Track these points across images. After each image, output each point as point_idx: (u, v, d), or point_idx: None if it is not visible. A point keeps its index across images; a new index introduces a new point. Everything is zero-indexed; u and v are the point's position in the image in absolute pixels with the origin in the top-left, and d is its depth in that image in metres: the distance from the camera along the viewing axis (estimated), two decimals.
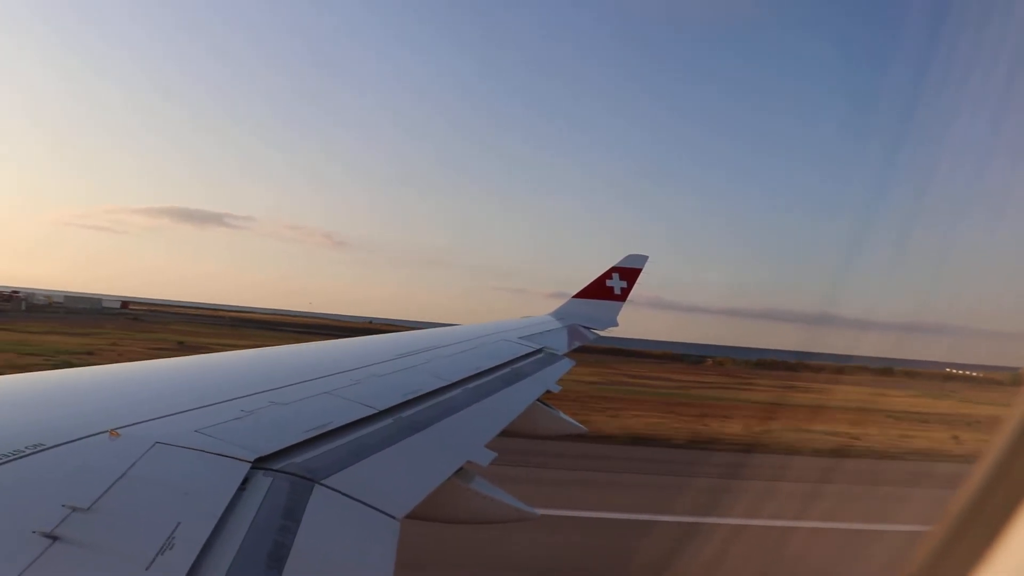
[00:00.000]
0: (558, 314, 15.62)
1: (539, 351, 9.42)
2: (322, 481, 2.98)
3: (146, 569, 1.92)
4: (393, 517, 2.96)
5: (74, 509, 2.09)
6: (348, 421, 3.85)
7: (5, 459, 2.31)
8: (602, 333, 15.81)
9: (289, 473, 2.92)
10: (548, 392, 7.69)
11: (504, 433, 5.23)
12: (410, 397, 4.83)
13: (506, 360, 7.91)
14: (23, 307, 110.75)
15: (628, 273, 16.78)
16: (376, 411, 4.22)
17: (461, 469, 4.05)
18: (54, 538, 1.91)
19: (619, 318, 16.47)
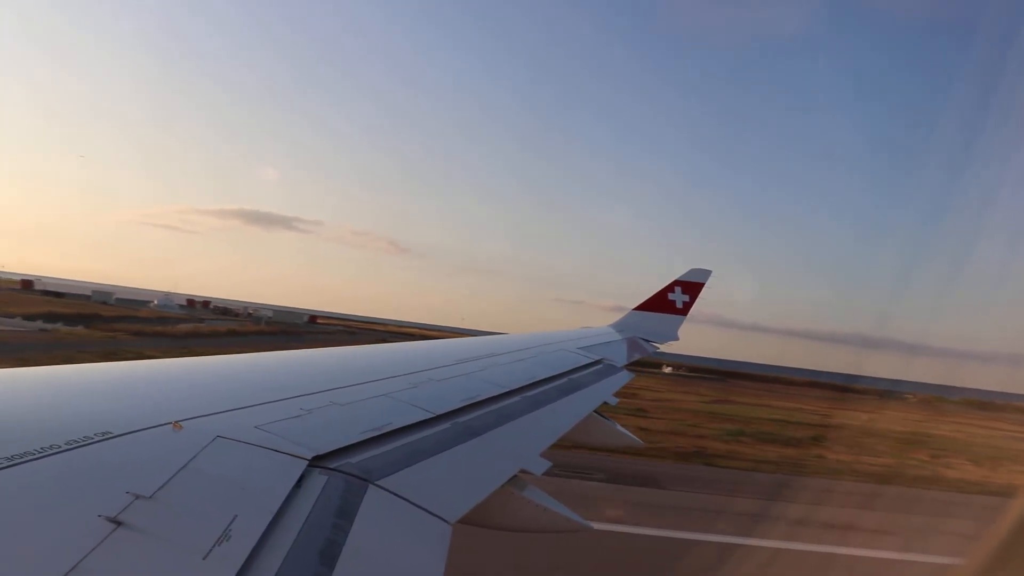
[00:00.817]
0: (618, 326, 15.50)
1: (598, 362, 9.35)
2: (377, 482, 3.00)
3: (203, 559, 1.96)
4: (445, 521, 2.97)
5: (137, 497, 2.15)
6: (405, 424, 3.87)
7: (75, 444, 2.38)
8: (662, 347, 15.65)
9: (345, 472, 2.95)
10: (605, 404, 7.63)
11: (559, 443, 5.21)
12: (467, 403, 4.84)
13: (564, 370, 7.87)
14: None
15: (691, 287, 16.57)
16: (433, 415, 4.24)
17: (515, 477, 4.04)
18: (118, 523, 1.96)
19: (680, 332, 16.28)
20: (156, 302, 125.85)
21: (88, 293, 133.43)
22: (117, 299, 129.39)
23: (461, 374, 5.95)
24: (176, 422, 2.84)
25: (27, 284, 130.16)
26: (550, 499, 4.22)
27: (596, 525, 4.86)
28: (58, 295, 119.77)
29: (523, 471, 4.18)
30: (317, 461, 2.94)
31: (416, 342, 8.30)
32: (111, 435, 2.54)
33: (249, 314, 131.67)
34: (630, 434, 7.84)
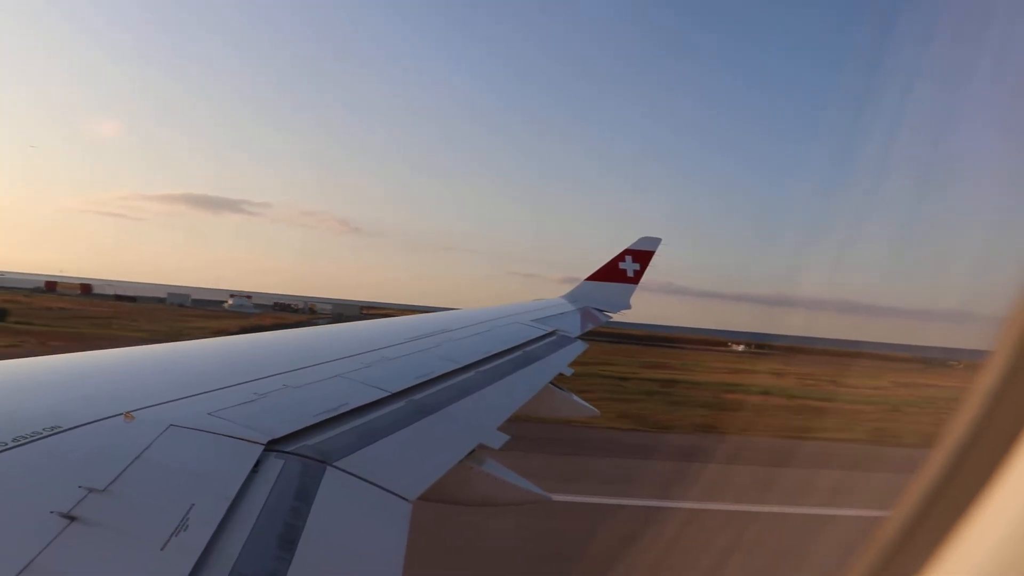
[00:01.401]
0: (571, 297, 15.61)
1: (552, 334, 9.42)
2: (334, 463, 3.00)
3: (161, 549, 1.95)
4: (405, 499, 2.99)
5: (90, 490, 2.12)
6: (360, 404, 3.87)
7: (24, 440, 2.34)
8: (615, 316, 15.80)
9: (302, 455, 2.94)
10: (561, 375, 7.70)
11: (516, 416, 5.25)
12: (422, 380, 4.85)
13: (518, 343, 7.92)
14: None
15: (641, 255, 16.72)
16: (388, 394, 4.24)
17: (473, 451, 4.07)
18: (72, 518, 1.94)
19: (632, 301, 16.45)
20: (231, 303, 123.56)
21: (163, 295, 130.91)
22: (193, 300, 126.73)
23: (415, 351, 5.95)
24: (127, 412, 2.80)
25: (51, 286, 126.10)
26: (509, 472, 4.27)
27: (556, 496, 4.92)
28: (132, 299, 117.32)
29: (482, 445, 4.22)
30: (273, 445, 2.93)
31: (368, 321, 8.26)
32: (60, 429, 2.50)
33: (311, 309, 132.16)
34: (586, 404, 7.94)
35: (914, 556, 1.76)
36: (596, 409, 8.30)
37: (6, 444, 2.28)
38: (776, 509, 17.72)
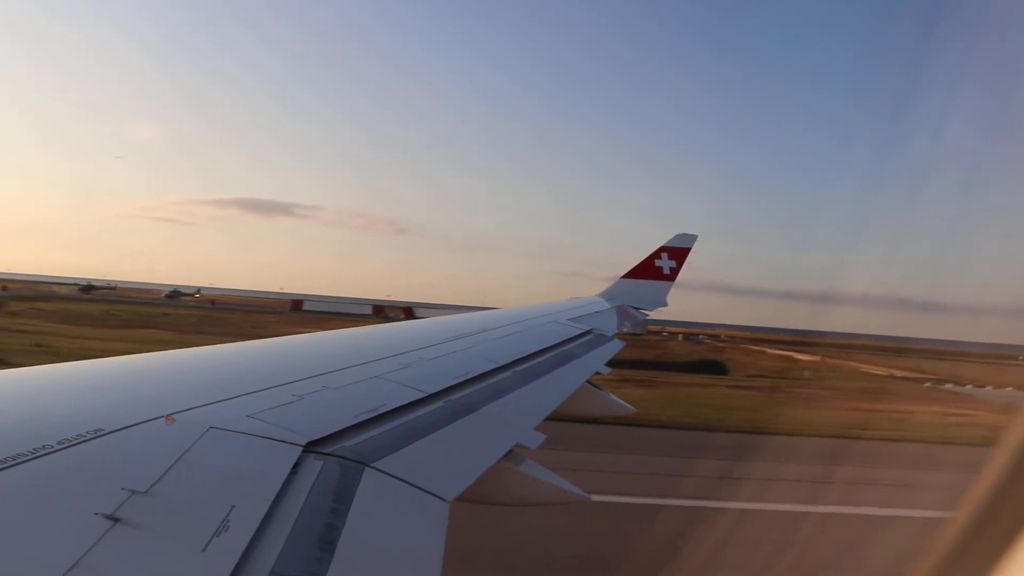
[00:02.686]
0: (607, 295, 15.54)
1: (588, 332, 9.39)
2: (372, 464, 3.01)
3: (202, 551, 1.97)
4: (443, 499, 2.99)
5: (133, 492, 2.15)
6: (398, 405, 3.89)
7: (68, 443, 2.38)
8: (651, 314, 15.72)
9: (340, 456, 2.96)
10: (597, 374, 7.68)
11: (553, 415, 5.24)
12: (459, 380, 4.86)
13: (555, 342, 7.90)
14: None
15: (677, 252, 16.61)
16: (425, 394, 4.25)
17: (511, 451, 4.07)
18: (115, 519, 1.96)
19: (670, 299, 16.35)
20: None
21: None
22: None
23: (452, 351, 5.96)
24: (168, 415, 2.84)
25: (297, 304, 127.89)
26: (547, 471, 4.25)
27: (595, 497, 4.90)
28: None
29: (519, 445, 4.21)
30: (312, 446, 2.95)
31: (406, 322, 8.30)
32: (104, 432, 2.54)
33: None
34: (623, 402, 7.90)
35: (979, 559, 1.72)
36: (632, 407, 8.25)
37: (52, 447, 2.32)
38: None
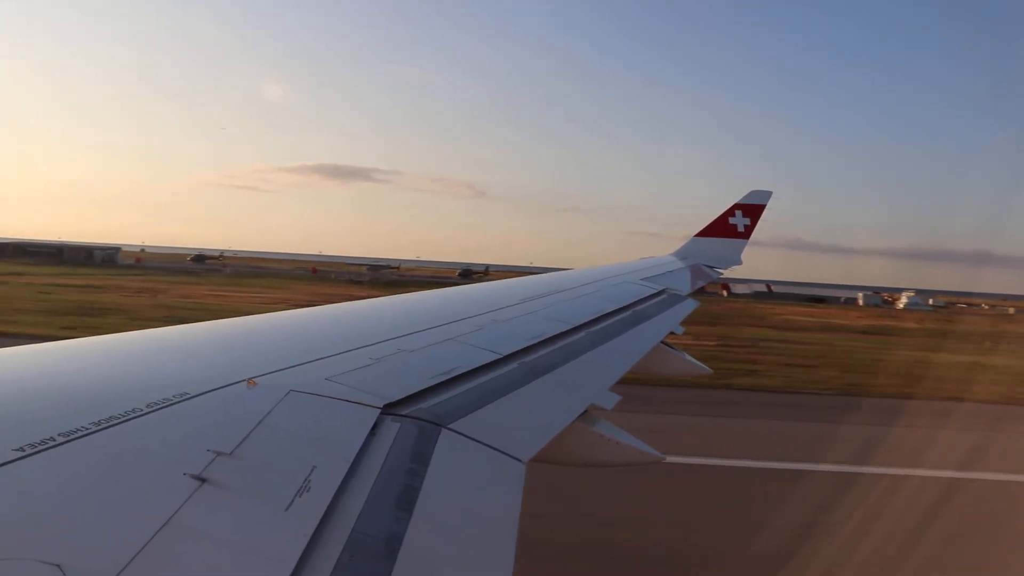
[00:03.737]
0: (680, 254, 15.34)
1: (662, 292, 9.29)
2: (449, 426, 3.04)
3: (285, 510, 2.02)
4: (519, 460, 3.01)
5: (218, 454, 2.21)
6: (473, 367, 3.91)
7: (156, 407, 2.46)
8: (725, 272, 15.47)
9: (417, 418, 2.99)
10: (672, 333, 7.60)
11: (628, 376, 5.21)
12: (533, 342, 4.86)
13: (629, 302, 7.84)
14: None
15: (751, 210, 16.25)
16: (500, 356, 4.27)
17: (585, 412, 4.06)
18: (202, 480, 2.03)
19: (744, 256, 16.05)
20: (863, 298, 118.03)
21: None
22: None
23: (526, 313, 5.96)
24: (250, 379, 2.91)
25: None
26: (622, 432, 4.24)
27: (669, 457, 4.86)
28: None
29: (593, 406, 4.20)
30: (389, 408, 2.99)
31: (480, 284, 8.33)
32: (189, 395, 2.62)
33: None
34: (699, 363, 7.82)
35: None
36: (709, 368, 8.16)
37: (141, 410, 2.40)
38: None
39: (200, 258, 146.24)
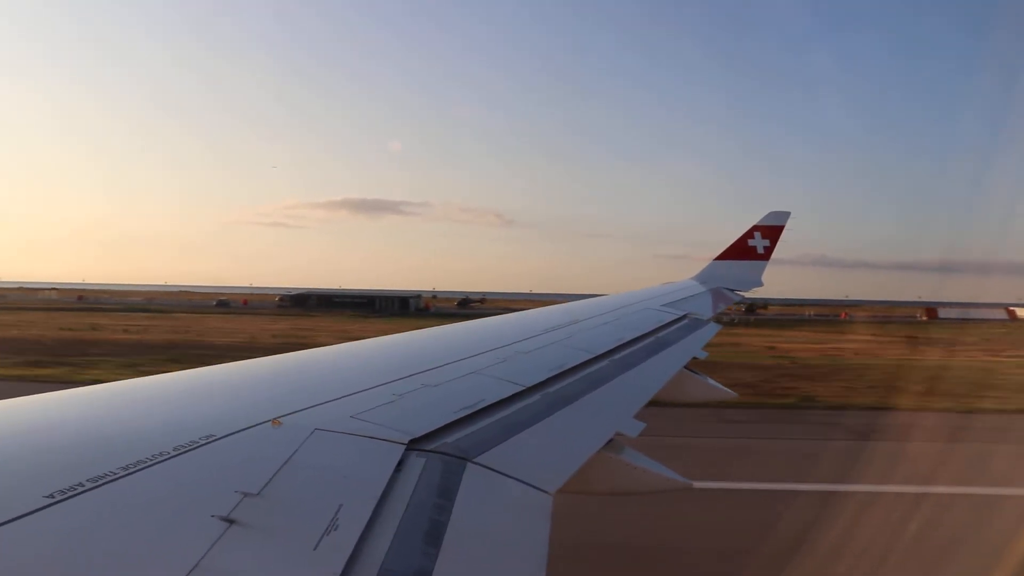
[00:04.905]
0: (700, 278, 15.31)
1: (683, 317, 9.27)
2: (474, 459, 3.04)
3: (314, 549, 2.02)
4: (545, 492, 2.99)
5: (246, 495, 2.22)
6: (497, 399, 3.91)
7: (183, 449, 2.48)
8: (747, 294, 15.42)
9: (442, 453, 2.99)
10: (695, 359, 7.57)
11: (653, 402, 5.19)
12: (556, 372, 4.85)
13: (650, 329, 7.83)
14: None
15: (770, 231, 16.23)
16: (524, 388, 4.27)
17: (611, 441, 4.05)
18: (231, 521, 2.03)
19: (765, 278, 16.00)
20: None
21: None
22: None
23: (548, 343, 5.97)
24: (275, 419, 2.93)
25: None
26: (648, 459, 4.22)
27: (697, 484, 4.82)
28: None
29: (618, 434, 4.18)
30: (414, 444, 2.99)
31: (500, 316, 8.35)
32: (215, 437, 2.63)
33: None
34: (723, 387, 7.77)
35: None
36: (733, 392, 8.11)
37: (168, 453, 2.42)
38: None
39: (465, 302, 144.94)
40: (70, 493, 2.01)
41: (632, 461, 4.09)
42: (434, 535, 2.32)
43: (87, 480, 2.10)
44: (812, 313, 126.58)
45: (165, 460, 2.37)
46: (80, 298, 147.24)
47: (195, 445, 2.54)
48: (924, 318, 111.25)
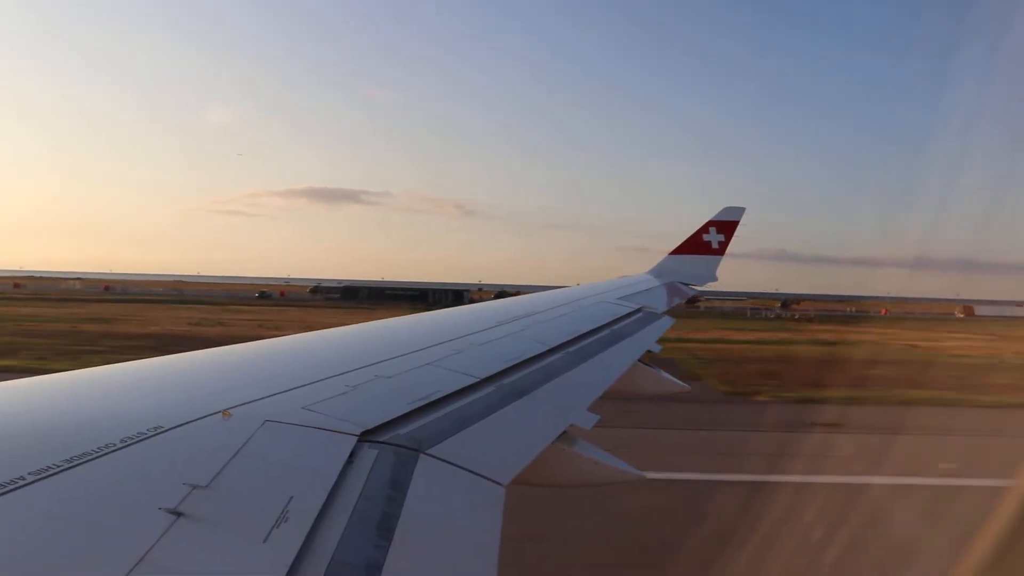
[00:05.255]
0: (655, 272, 15.45)
1: (638, 311, 9.34)
2: (427, 451, 3.03)
3: (263, 542, 2.00)
4: (498, 483, 3.00)
5: (194, 487, 2.19)
6: (451, 391, 3.90)
7: (130, 441, 2.44)
8: (700, 288, 15.59)
9: (395, 444, 2.98)
10: (649, 352, 7.63)
11: (606, 395, 5.22)
12: (511, 364, 4.86)
13: (605, 322, 7.88)
14: None
15: (725, 226, 16.42)
16: (478, 379, 4.27)
17: (564, 433, 4.07)
18: (178, 514, 2.01)
19: (719, 272, 16.19)
20: None
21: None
22: None
23: (503, 335, 5.97)
24: (225, 410, 2.89)
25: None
26: (601, 452, 4.25)
27: (649, 474, 4.87)
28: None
29: (572, 426, 4.21)
30: (366, 436, 2.97)
31: (456, 308, 8.33)
32: (163, 429, 2.60)
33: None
34: (676, 380, 7.85)
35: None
36: (686, 385, 8.20)
37: (115, 445, 2.38)
38: None
39: (501, 295, 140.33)
40: (11, 487, 1.97)
41: (585, 453, 4.12)
42: (385, 527, 2.31)
43: (28, 473, 2.06)
44: (853, 309, 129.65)
45: (111, 452, 2.33)
46: (106, 288, 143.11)
47: (143, 436, 2.49)
48: (962, 315, 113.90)
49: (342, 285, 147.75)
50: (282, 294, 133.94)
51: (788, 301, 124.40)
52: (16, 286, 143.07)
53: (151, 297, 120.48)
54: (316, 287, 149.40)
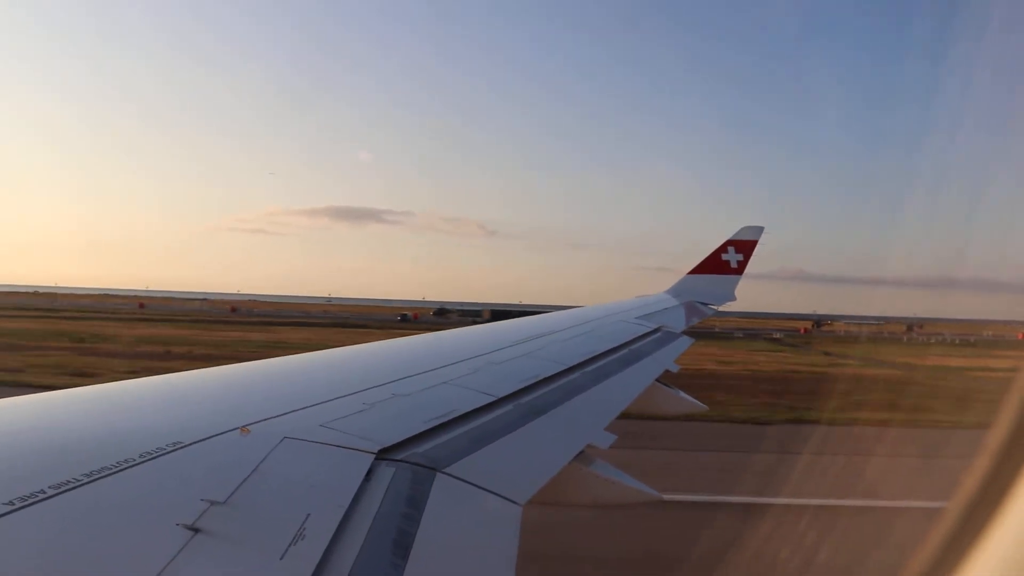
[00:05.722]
0: (674, 291, 15.41)
1: (657, 330, 9.31)
2: (444, 469, 3.03)
3: (280, 559, 2.00)
4: (515, 503, 2.99)
5: (212, 503, 2.20)
6: (468, 409, 3.90)
7: (149, 456, 2.45)
8: (720, 308, 15.53)
9: (412, 463, 2.98)
10: (667, 371, 7.60)
11: (624, 415, 5.20)
12: (528, 383, 4.85)
13: (623, 341, 7.86)
14: None
15: (744, 245, 16.37)
16: (495, 398, 4.26)
17: (582, 453, 4.05)
18: (196, 530, 2.01)
19: (738, 292, 16.12)
20: None
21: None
22: None
23: (521, 355, 5.96)
24: (244, 427, 2.90)
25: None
26: (618, 472, 4.22)
27: (667, 496, 4.83)
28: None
29: (590, 446, 4.19)
30: (384, 454, 2.98)
31: (475, 326, 8.34)
32: (182, 444, 2.61)
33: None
34: (694, 400, 7.81)
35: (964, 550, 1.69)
36: (704, 405, 8.15)
37: (134, 460, 2.39)
38: None
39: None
40: (31, 500, 1.98)
41: (602, 473, 4.10)
42: (402, 545, 2.30)
43: (49, 487, 2.07)
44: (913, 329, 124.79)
45: (130, 467, 2.34)
46: (141, 306, 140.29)
47: (162, 452, 2.51)
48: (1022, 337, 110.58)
49: (461, 308, 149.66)
50: (415, 317, 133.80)
51: (821, 321, 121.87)
52: (232, 310, 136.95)
53: (289, 319, 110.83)
54: (440, 309, 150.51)
